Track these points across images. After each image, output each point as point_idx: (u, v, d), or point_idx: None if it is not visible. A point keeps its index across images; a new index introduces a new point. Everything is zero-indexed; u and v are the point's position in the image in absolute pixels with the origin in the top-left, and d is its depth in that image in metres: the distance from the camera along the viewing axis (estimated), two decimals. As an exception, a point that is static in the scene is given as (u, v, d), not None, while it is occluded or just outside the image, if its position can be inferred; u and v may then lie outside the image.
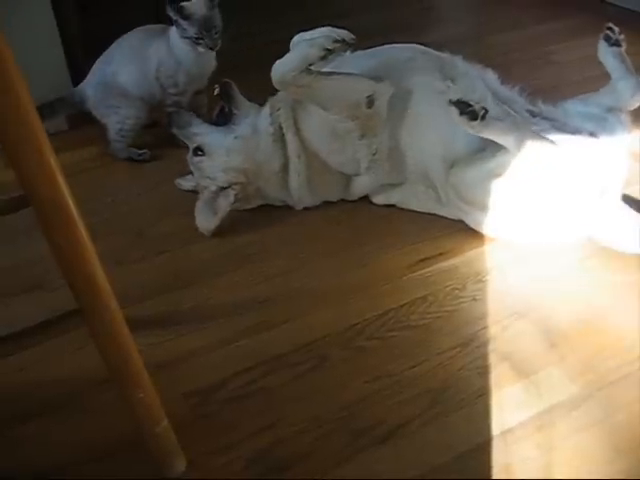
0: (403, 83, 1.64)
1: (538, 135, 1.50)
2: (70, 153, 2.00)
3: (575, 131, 1.55)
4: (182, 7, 1.88)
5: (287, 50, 1.62)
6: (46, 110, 1.95)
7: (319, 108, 1.64)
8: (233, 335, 1.40)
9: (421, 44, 1.76)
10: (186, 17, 1.89)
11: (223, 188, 1.70)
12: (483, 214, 1.58)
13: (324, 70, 1.63)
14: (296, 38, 1.68)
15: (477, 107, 1.47)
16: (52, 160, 0.80)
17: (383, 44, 1.77)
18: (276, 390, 1.28)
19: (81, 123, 2.11)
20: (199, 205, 1.71)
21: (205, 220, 1.69)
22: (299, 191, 1.74)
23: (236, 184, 1.71)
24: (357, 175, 1.72)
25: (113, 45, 2.04)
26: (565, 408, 1.21)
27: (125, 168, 2.02)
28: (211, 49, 1.93)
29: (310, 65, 1.57)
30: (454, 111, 1.48)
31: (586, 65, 2.35)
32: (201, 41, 1.90)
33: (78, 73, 2.12)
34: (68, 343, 1.27)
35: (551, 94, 1.78)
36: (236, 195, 1.70)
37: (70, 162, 1.91)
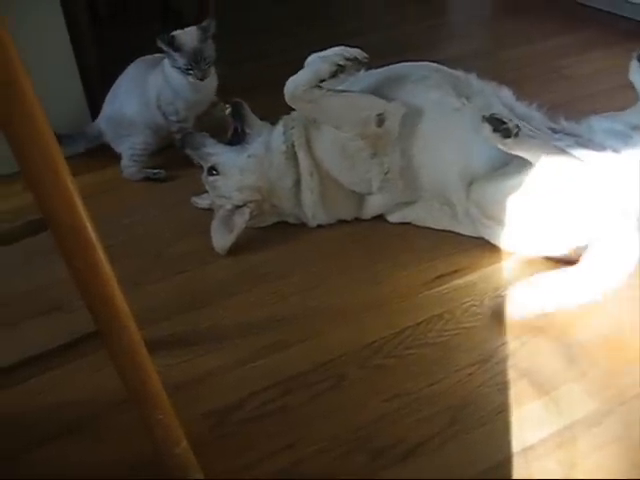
0: (416, 101, 1.64)
1: (567, 152, 1.48)
2: (87, 175, 2.01)
3: (599, 147, 1.53)
4: (174, 37, 1.89)
5: (298, 71, 1.62)
6: (66, 140, 1.99)
7: (331, 126, 1.65)
8: (250, 355, 1.40)
9: (433, 61, 1.76)
10: (177, 48, 1.90)
11: (238, 206, 1.72)
12: (505, 229, 1.56)
13: (336, 88, 1.64)
14: (310, 58, 1.69)
15: (511, 125, 1.45)
16: (69, 183, 0.80)
17: (396, 62, 1.78)
18: (294, 410, 1.27)
19: (97, 146, 2.12)
20: (215, 224, 1.72)
21: (221, 238, 1.70)
22: (313, 208, 1.74)
23: (251, 202, 1.72)
24: (370, 194, 1.72)
25: (118, 78, 2.08)
26: (586, 424, 1.20)
27: (141, 189, 2.03)
28: (200, 80, 1.94)
29: (322, 81, 1.59)
30: (487, 127, 1.47)
31: (598, 78, 2.37)
32: (191, 72, 1.91)
33: (96, 106, 2.14)
34: (87, 365, 1.27)
35: (565, 108, 1.77)
36: (251, 213, 1.72)
37: (87, 184, 1.92)
